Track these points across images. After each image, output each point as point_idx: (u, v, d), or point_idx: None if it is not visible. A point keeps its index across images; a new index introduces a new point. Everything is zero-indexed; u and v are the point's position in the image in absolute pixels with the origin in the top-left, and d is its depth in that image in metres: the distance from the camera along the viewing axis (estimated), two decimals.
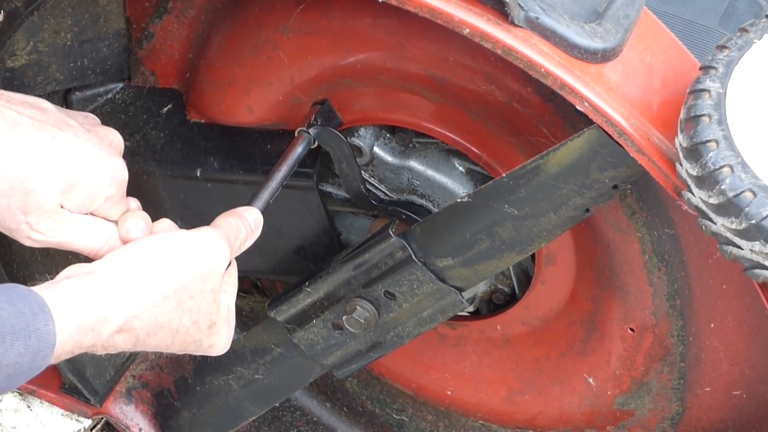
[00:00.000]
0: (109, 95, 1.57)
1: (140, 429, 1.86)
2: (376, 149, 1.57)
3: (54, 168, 1.18)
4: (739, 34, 1.18)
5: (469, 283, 1.46)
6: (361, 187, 1.52)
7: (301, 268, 1.62)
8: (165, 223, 1.26)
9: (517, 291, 1.64)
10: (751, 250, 1.07)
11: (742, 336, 1.41)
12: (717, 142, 1.08)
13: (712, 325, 1.42)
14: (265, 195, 1.37)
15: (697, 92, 1.12)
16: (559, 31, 1.18)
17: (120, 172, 1.25)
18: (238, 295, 1.29)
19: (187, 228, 1.24)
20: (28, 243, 1.21)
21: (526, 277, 1.61)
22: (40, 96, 1.28)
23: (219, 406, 1.75)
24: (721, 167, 1.07)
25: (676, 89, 1.22)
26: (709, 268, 1.38)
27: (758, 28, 1.18)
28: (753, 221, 1.05)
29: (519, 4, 1.16)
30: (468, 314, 1.69)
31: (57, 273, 1.15)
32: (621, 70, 1.21)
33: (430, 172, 1.56)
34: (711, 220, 1.10)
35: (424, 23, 1.20)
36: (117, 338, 1.12)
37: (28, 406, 1.87)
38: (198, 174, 1.55)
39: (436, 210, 1.54)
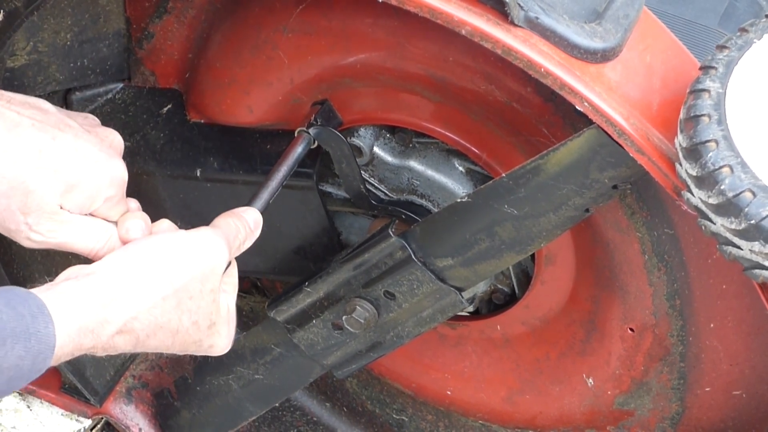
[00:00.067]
0: (109, 95, 1.57)
1: (140, 429, 1.86)
2: (376, 149, 1.57)
3: (54, 169, 1.18)
4: (738, 34, 1.18)
5: (468, 283, 1.46)
6: (361, 187, 1.52)
7: (301, 268, 1.62)
8: (164, 223, 1.26)
9: (517, 291, 1.63)
10: (750, 250, 1.07)
11: (742, 336, 1.41)
12: (717, 142, 1.08)
13: (712, 325, 1.42)
14: (264, 195, 1.37)
15: (696, 92, 1.12)
16: (559, 31, 1.18)
17: (120, 173, 1.25)
18: (238, 295, 1.29)
19: (187, 228, 1.25)
20: (27, 244, 1.21)
21: (526, 277, 1.61)
22: (40, 96, 1.28)
23: (219, 406, 1.75)
24: (721, 167, 1.07)
25: (676, 89, 1.22)
26: (708, 268, 1.38)
27: (758, 28, 1.18)
28: (752, 221, 1.05)
29: (519, 4, 1.16)
30: (468, 314, 1.69)
31: (57, 274, 1.15)
32: (621, 70, 1.21)
33: (430, 172, 1.56)
34: (710, 221, 1.09)
35: (424, 23, 1.20)
36: (117, 339, 1.12)
37: (28, 406, 1.87)
38: (198, 174, 1.55)
39: (435, 210, 1.54)
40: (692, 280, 1.40)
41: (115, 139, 1.31)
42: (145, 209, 1.29)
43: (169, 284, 1.16)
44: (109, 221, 1.24)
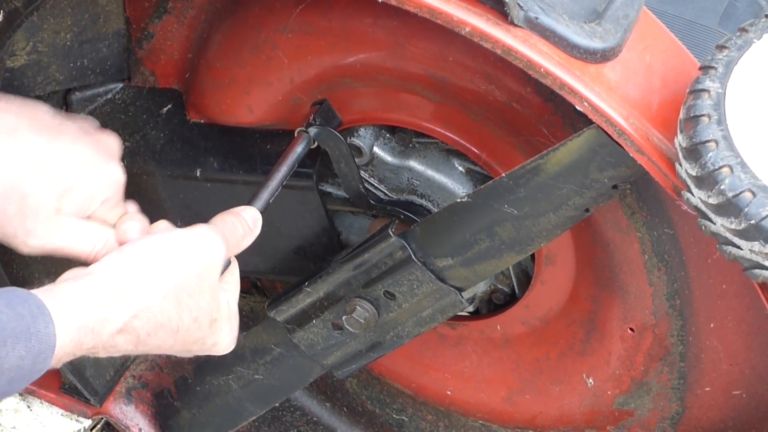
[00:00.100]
0: (109, 95, 1.57)
1: (140, 429, 1.86)
2: (375, 149, 1.57)
3: (51, 172, 1.18)
4: (738, 34, 1.18)
5: (468, 283, 1.46)
6: (360, 187, 1.52)
7: (301, 268, 1.62)
8: (162, 224, 1.26)
9: (516, 291, 1.63)
10: (750, 250, 1.07)
11: (742, 336, 1.41)
12: (716, 142, 1.08)
13: (712, 325, 1.42)
14: (264, 195, 1.37)
15: (696, 92, 1.12)
16: (559, 31, 1.18)
17: (117, 175, 1.25)
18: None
19: None
20: (25, 250, 1.21)
21: (526, 277, 1.61)
22: (39, 96, 1.28)
23: (219, 406, 1.75)
24: (721, 167, 1.07)
25: (676, 89, 1.22)
26: (708, 268, 1.38)
27: (758, 28, 1.18)
28: (752, 221, 1.05)
29: (518, 4, 1.16)
30: (468, 314, 1.69)
31: (57, 274, 1.15)
32: (620, 70, 1.21)
33: (430, 172, 1.56)
34: (710, 220, 1.10)
35: (424, 23, 1.20)
36: (118, 339, 1.12)
37: (28, 407, 1.87)
38: (198, 174, 1.55)
39: (435, 210, 1.54)
40: (692, 280, 1.40)
41: (112, 142, 1.31)
42: (144, 209, 1.29)
43: (167, 282, 1.16)
44: (106, 224, 1.24)
